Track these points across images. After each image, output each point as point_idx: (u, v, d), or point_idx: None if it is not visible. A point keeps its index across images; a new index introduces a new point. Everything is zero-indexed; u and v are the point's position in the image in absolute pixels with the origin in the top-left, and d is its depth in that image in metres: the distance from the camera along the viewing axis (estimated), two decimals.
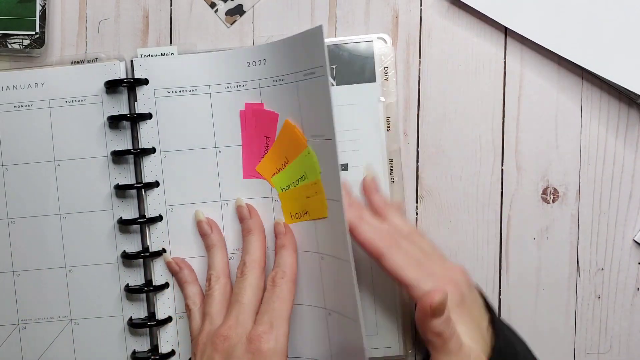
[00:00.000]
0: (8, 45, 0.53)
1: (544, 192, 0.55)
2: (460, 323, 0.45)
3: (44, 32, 0.54)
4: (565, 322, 0.55)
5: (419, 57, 0.55)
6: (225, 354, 0.46)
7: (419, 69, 0.55)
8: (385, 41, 0.54)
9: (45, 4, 0.54)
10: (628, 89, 0.52)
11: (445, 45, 0.55)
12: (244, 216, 0.52)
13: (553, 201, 0.55)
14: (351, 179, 0.53)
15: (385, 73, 0.54)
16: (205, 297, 0.50)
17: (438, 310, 0.43)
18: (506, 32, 0.54)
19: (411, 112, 0.55)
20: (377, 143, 0.54)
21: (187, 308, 0.51)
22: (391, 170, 0.54)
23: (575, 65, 0.53)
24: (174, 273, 0.53)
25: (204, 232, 0.53)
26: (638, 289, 0.55)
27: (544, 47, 0.53)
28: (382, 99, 0.54)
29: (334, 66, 0.54)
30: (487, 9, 0.53)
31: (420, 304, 0.44)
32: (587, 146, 0.55)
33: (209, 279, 0.51)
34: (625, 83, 0.52)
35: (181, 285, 0.53)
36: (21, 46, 0.54)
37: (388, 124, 0.54)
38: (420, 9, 0.55)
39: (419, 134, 0.55)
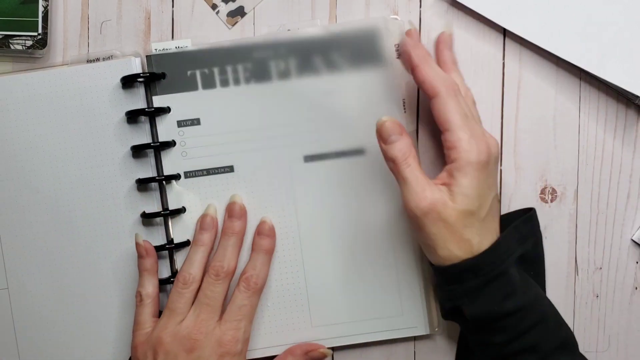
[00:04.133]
0: (10, 46, 0.54)
1: (542, 192, 0.55)
2: (469, 178, 0.46)
3: (46, 33, 0.54)
4: None
5: None
6: (195, 356, 0.48)
7: None
8: (396, 19, 0.54)
9: (48, 5, 0.54)
10: (626, 89, 0.52)
11: None
12: (233, 212, 0.53)
13: (551, 201, 0.55)
14: (370, 163, 0.53)
15: (398, 51, 0.54)
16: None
17: (385, 132, 0.47)
18: (505, 33, 0.55)
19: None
20: None
21: (138, 296, 0.52)
22: None
23: (574, 66, 0.54)
24: (138, 256, 0.52)
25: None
26: (636, 288, 0.55)
27: (542, 48, 0.53)
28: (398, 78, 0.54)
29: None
30: (486, 11, 0.54)
31: (377, 130, 0.48)
32: (585, 146, 0.55)
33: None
34: (623, 84, 0.52)
35: (140, 272, 0.52)
36: (23, 47, 0.54)
37: (404, 105, 0.54)
38: (420, 10, 0.55)
39: (419, 135, 0.55)
